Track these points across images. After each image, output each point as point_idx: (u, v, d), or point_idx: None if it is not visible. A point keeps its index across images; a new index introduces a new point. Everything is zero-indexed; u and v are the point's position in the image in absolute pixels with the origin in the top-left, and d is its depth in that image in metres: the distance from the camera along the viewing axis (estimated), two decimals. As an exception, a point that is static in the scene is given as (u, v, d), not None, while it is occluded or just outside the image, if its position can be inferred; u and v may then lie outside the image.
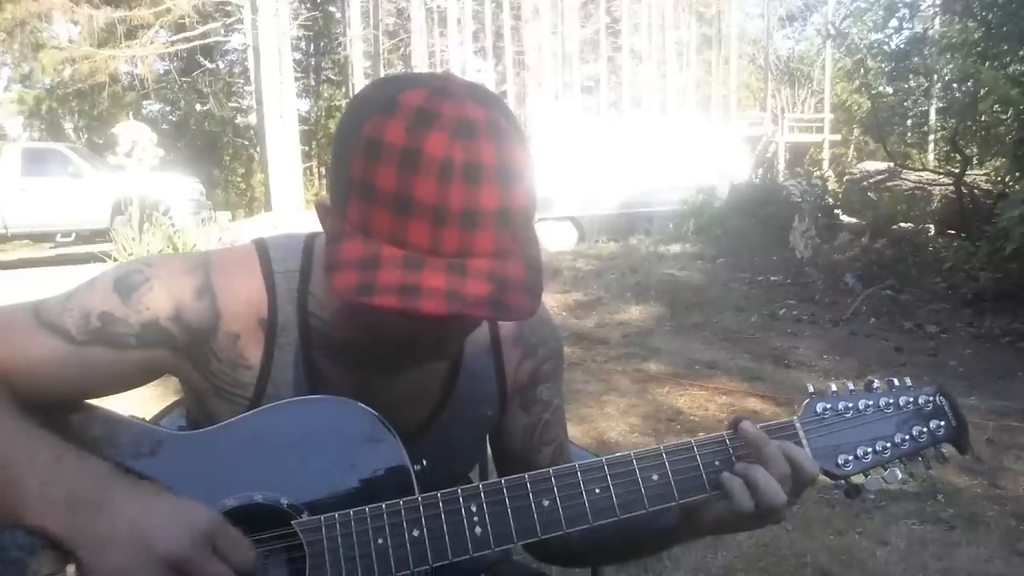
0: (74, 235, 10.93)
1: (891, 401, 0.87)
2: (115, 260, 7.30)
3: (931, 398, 0.87)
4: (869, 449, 0.85)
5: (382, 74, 24.93)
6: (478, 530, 0.76)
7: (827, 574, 2.33)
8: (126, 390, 0.84)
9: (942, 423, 0.87)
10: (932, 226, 8.35)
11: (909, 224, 8.11)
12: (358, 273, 0.66)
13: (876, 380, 0.88)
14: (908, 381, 0.89)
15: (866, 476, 0.85)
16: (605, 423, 3.67)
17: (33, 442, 0.73)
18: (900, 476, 0.85)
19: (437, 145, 0.65)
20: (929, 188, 8.79)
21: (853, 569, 2.36)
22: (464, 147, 0.65)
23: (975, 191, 7.76)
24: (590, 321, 5.97)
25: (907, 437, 0.85)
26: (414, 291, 0.64)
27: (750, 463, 0.82)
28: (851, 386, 0.88)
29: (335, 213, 0.71)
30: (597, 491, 0.79)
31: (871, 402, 0.87)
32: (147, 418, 1.02)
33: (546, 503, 0.78)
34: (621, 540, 0.93)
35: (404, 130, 0.65)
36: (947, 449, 0.87)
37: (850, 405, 0.86)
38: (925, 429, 0.86)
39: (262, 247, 0.86)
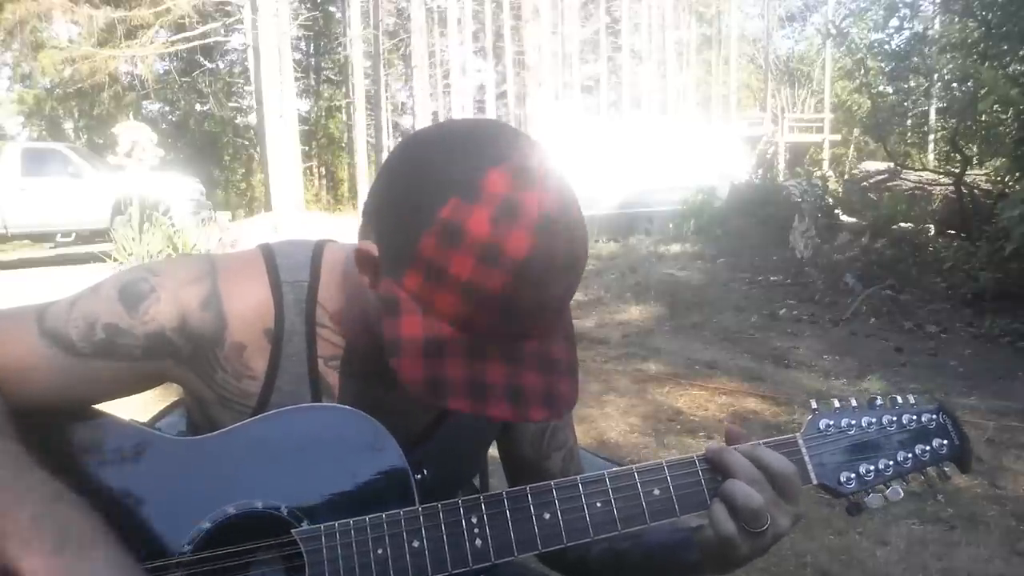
0: (74, 235, 10.91)
1: (894, 419, 0.86)
2: (115, 260, 7.31)
3: (934, 416, 0.87)
4: (871, 467, 0.84)
5: (382, 74, 24.95)
6: (478, 542, 0.76)
7: (827, 574, 2.33)
8: (127, 396, 0.83)
9: (945, 442, 0.86)
10: (932, 226, 8.35)
11: (909, 224, 8.11)
12: (424, 362, 0.67)
13: (879, 397, 0.88)
14: (911, 398, 0.88)
15: (868, 494, 0.84)
16: (605, 423, 3.67)
17: (31, 476, 0.72)
18: (902, 493, 0.85)
19: (520, 245, 0.65)
20: (929, 188, 8.79)
21: (853, 569, 2.36)
22: (545, 248, 0.66)
23: (975, 191, 7.76)
24: (590, 321, 5.97)
25: (910, 456, 0.85)
26: (481, 391, 0.67)
27: (722, 480, 0.80)
28: (854, 402, 0.87)
29: (388, 274, 0.70)
30: (598, 504, 0.79)
31: (874, 419, 0.86)
32: (147, 419, 1.03)
33: (547, 515, 0.78)
34: (644, 567, 0.91)
35: (489, 222, 0.64)
36: (949, 467, 0.87)
37: (853, 422, 0.86)
38: (928, 448, 0.86)
39: (269, 255, 0.85)
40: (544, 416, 0.69)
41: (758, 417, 3.72)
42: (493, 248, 0.64)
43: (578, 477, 0.80)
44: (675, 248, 9.16)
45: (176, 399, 1.06)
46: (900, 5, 8.11)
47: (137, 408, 0.91)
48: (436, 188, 0.66)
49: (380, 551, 0.74)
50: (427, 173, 0.68)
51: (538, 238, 0.65)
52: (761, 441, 0.84)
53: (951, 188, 7.90)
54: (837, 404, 0.87)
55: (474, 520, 0.76)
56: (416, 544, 0.75)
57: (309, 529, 0.75)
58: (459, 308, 0.66)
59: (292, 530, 0.76)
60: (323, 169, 32.61)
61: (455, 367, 0.66)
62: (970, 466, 0.87)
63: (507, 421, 0.69)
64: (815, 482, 0.84)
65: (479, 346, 0.67)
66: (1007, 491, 2.88)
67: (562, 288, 0.69)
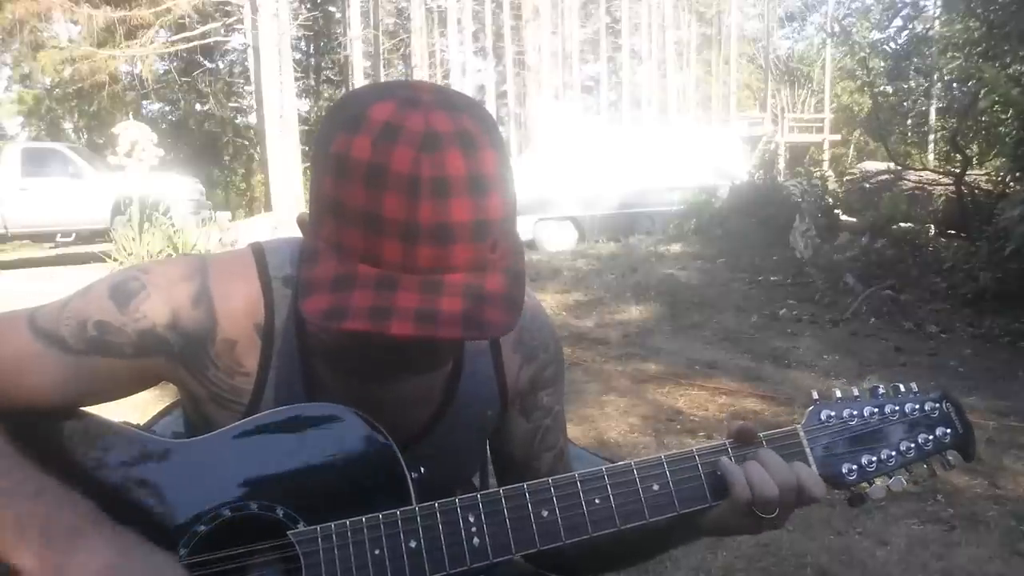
0: (74, 235, 10.91)
1: (896, 408, 0.85)
2: (115, 260, 7.31)
3: (937, 404, 0.86)
4: (874, 458, 0.83)
5: (382, 74, 24.96)
6: (476, 541, 0.75)
7: (827, 574, 2.33)
8: (121, 397, 0.83)
9: (948, 430, 0.85)
10: (932, 226, 8.35)
11: (909, 224, 8.11)
12: (331, 296, 0.65)
13: (881, 386, 0.86)
14: (914, 387, 0.87)
15: (870, 484, 0.83)
16: (605, 423, 3.67)
17: (16, 472, 0.72)
18: (904, 484, 0.83)
19: (403, 160, 0.63)
20: (929, 188, 8.80)
21: (853, 569, 2.36)
22: (431, 161, 0.63)
23: (975, 191, 7.77)
24: (590, 321, 5.96)
25: (912, 445, 0.83)
26: (385, 313, 0.63)
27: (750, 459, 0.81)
28: (856, 392, 0.86)
29: (312, 230, 0.71)
30: (597, 501, 0.78)
31: (876, 409, 0.84)
32: (144, 421, 1.02)
33: (545, 513, 0.77)
34: (616, 545, 0.91)
35: (370, 146, 0.64)
36: (952, 456, 0.85)
37: (855, 412, 0.84)
38: (931, 437, 0.84)
39: (259, 252, 0.85)
40: (459, 334, 0.65)
41: (758, 417, 3.71)
42: (376, 168, 0.63)
43: (576, 474, 0.79)
44: (675, 248, 9.16)
45: (172, 401, 1.05)
46: (901, 5, 8.11)
47: (134, 411, 0.91)
48: (330, 131, 0.68)
49: (377, 552, 0.74)
50: (325, 127, 0.69)
51: (424, 153, 0.63)
52: (762, 434, 0.83)
53: (951, 188, 7.90)
54: (839, 394, 0.86)
55: (471, 519, 0.76)
56: (413, 544, 0.74)
57: (305, 531, 0.75)
58: (364, 240, 0.65)
59: (288, 532, 0.75)
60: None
61: (361, 298, 0.64)
62: (973, 454, 0.85)
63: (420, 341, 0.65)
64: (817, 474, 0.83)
65: (392, 279, 0.65)
66: (1007, 491, 2.88)
67: (469, 209, 0.64)
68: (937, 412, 0.85)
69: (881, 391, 0.86)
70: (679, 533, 0.86)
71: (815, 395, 0.86)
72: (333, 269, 0.66)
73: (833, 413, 0.84)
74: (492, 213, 0.66)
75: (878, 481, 0.83)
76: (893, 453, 0.83)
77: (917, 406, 0.85)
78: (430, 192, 0.63)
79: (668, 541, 0.89)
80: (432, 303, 0.64)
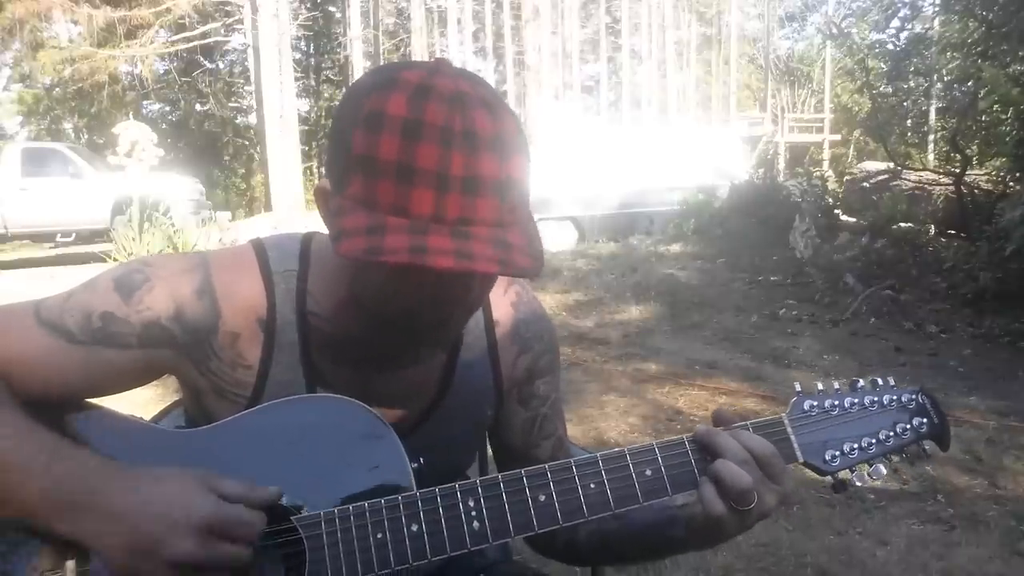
0: (74, 235, 10.92)
1: (876, 399, 0.89)
2: (115, 260, 7.31)
3: (914, 397, 0.90)
4: (855, 445, 0.87)
5: (382, 74, 24.92)
6: (476, 524, 0.77)
7: (827, 574, 2.33)
8: (126, 389, 0.84)
9: (924, 420, 0.89)
10: (932, 226, 8.36)
11: (909, 224, 8.12)
12: (366, 239, 0.67)
13: (861, 380, 0.91)
14: (891, 380, 0.91)
15: (852, 471, 0.87)
16: (605, 423, 3.67)
17: (29, 442, 0.73)
18: (884, 472, 0.88)
19: (437, 114, 0.66)
20: (929, 188, 8.80)
21: (853, 569, 2.36)
22: (462, 116, 0.67)
23: (975, 191, 7.77)
24: (590, 321, 5.97)
25: (891, 434, 0.88)
26: (422, 250, 0.66)
27: (711, 460, 0.82)
28: (837, 385, 0.90)
29: (335, 193, 0.72)
30: (592, 486, 0.80)
31: (856, 400, 0.89)
32: (146, 419, 1.02)
33: (542, 498, 0.79)
34: (632, 545, 0.93)
35: (405, 101, 0.67)
36: (929, 446, 0.90)
37: (836, 403, 0.88)
38: (908, 426, 0.88)
39: (259, 247, 0.87)
40: (495, 269, 0.68)
41: (756, 417, 3.72)
42: (412, 121, 0.66)
43: (571, 460, 0.81)
44: (675, 248, 9.16)
45: (174, 400, 1.06)
46: (900, 5, 8.12)
47: (135, 410, 0.91)
48: (360, 94, 0.71)
49: (379, 535, 0.76)
50: (353, 94, 0.72)
51: (455, 108, 0.67)
52: (748, 422, 0.85)
53: (951, 188, 7.91)
54: (820, 386, 0.90)
55: (471, 503, 0.78)
56: (415, 528, 0.76)
57: (308, 516, 0.77)
58: (395, 192, 0.66)
59: (292, 517, 0.76)
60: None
61: (396, 239, 0.66)
62: (948, 444, 0.90)
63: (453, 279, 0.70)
64: (801, 460, 0.86)
65: (423, 226, 0.67)
66: (1007, 491, 2.88)
67: (495, 166, 0.68)
68: (914, 403, 0.90)
69: (860, 384, 0.91)
70: (694, 543, 0.87)
71: (798, 387, 0.91)
72: (364, 220, 0.68)
73: (816, 403, 0.89)
74: (514, 173, 0.70)
75: (859, 468, 0.87)
76: (873, 441, 0.88)
77: (895, 397, 0.90)
78: (461, 144, 0.66)
79: (684, 548, 0.90)
80: (463, 246, 0.67)
